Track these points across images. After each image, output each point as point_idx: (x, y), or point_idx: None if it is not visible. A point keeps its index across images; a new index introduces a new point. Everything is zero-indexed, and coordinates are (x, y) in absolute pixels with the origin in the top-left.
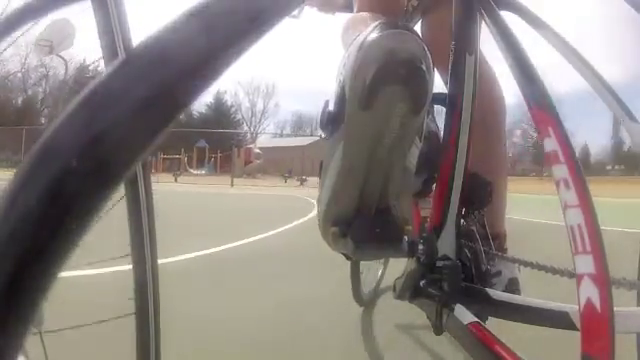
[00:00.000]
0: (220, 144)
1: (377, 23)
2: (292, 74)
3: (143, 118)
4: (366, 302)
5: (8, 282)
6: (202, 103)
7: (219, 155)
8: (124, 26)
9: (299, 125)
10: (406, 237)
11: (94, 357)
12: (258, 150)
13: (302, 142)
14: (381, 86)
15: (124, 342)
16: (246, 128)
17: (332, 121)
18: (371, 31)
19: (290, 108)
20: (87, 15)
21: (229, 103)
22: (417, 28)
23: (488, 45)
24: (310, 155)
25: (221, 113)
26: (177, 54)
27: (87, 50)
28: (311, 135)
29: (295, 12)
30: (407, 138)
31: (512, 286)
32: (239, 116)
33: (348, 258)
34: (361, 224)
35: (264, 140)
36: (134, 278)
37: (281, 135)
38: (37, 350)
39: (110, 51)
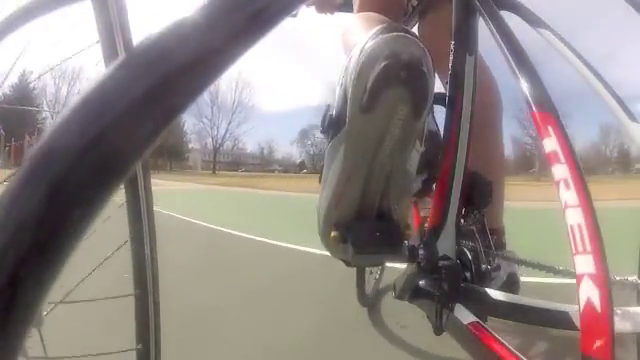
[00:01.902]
0: (18, 131)
1: (378, 27)
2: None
3: (143, 118)
4: (370, 303)
5: (8, 282)
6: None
7: (13, 144)
8: (124, 26)
9: None
10: (406, 242)
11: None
12: None
13: None
14: (382, 89)
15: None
16: (46, 114)
17: (333, 125)
18: (372, 35)
19: None
20: (87, 15)
21: (33, 86)
22: (415, 28)
23: (488, 45)
24: None
25: (24, 96)
26: (177, 54)
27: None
28: None
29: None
30: (408, 141)
31: (511, 280)
32: (43, 101)
33: (348, 264)
34: (362, 228)
35: None
36: (134, 276)
37: None
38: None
39: (110, 51)
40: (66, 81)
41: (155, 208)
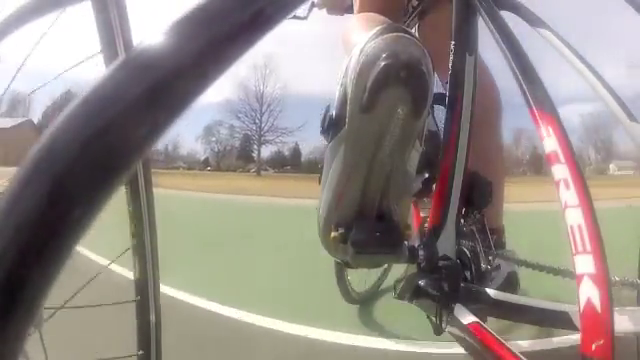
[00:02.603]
0: None
1: (378, 27)
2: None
3: (144, 117)
4: (358, 300)
5: (8, 282)
6: None
7: None
8: (124, 26)
9: (14, 104)
10: (406, 242)
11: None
12: None
13: (4, 124)
14: (382, 89)
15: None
16: None
17: (333, 125)
18: (372, 35)
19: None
20: (87, 15)
21: None
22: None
23: (488, 45)
24: (14, 140)
25: None
26: (178, 54)
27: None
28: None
29: (304, 14)
30: (408, 141)
31: (511, 279)
32: None
33: (348, 265)
34: (362, 228)
35: None
36: (135, 273)
37: None
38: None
39: (110, 51)
40: None
41: None
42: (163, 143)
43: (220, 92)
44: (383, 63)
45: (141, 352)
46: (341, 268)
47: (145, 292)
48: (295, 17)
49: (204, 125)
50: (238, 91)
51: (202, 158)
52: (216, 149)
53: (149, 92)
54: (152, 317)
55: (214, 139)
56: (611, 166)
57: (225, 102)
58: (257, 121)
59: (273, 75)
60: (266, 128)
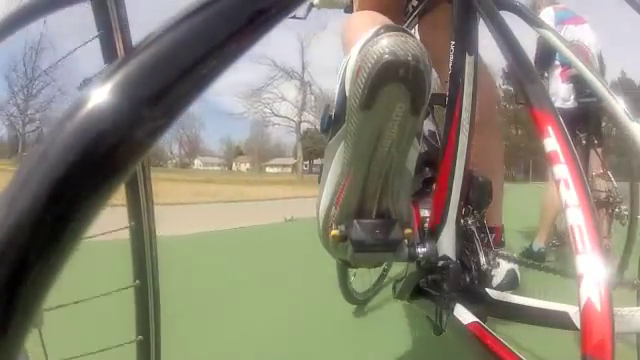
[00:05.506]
0: None
1: (377, 26)
2: None
3: (144, 118)
4: (359, 300)
5: (8, 282)
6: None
7: None
8: (124, 26)
9: None
10: (406, 241)
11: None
12: None
13: None
14: (381, 86)
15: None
16: None
17: (333, 123)
18: (371, 34)
19: None
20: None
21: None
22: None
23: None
24: None
25: None
26: (177, 53)
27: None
28: None
29: (303, 14)
30: (406, 139)
31: (510, 277)
32: None
33: (347, 264)
34: (361, 226)
35: None
36: (133, 257)
37: None
38: (37, 350)
39: (110, 51)
40: None
41: None
42: None
43: None
44: (382, 61)
45: (140, 338)
46: (344, 271)
47: (144, 276)
48: (294, 17)
49: None
50: None
51: None
52: None
53: (149, 93)
54: (151, 302)
55: None
56: (196, 161)
57: None
58: None
59: None
60: None
